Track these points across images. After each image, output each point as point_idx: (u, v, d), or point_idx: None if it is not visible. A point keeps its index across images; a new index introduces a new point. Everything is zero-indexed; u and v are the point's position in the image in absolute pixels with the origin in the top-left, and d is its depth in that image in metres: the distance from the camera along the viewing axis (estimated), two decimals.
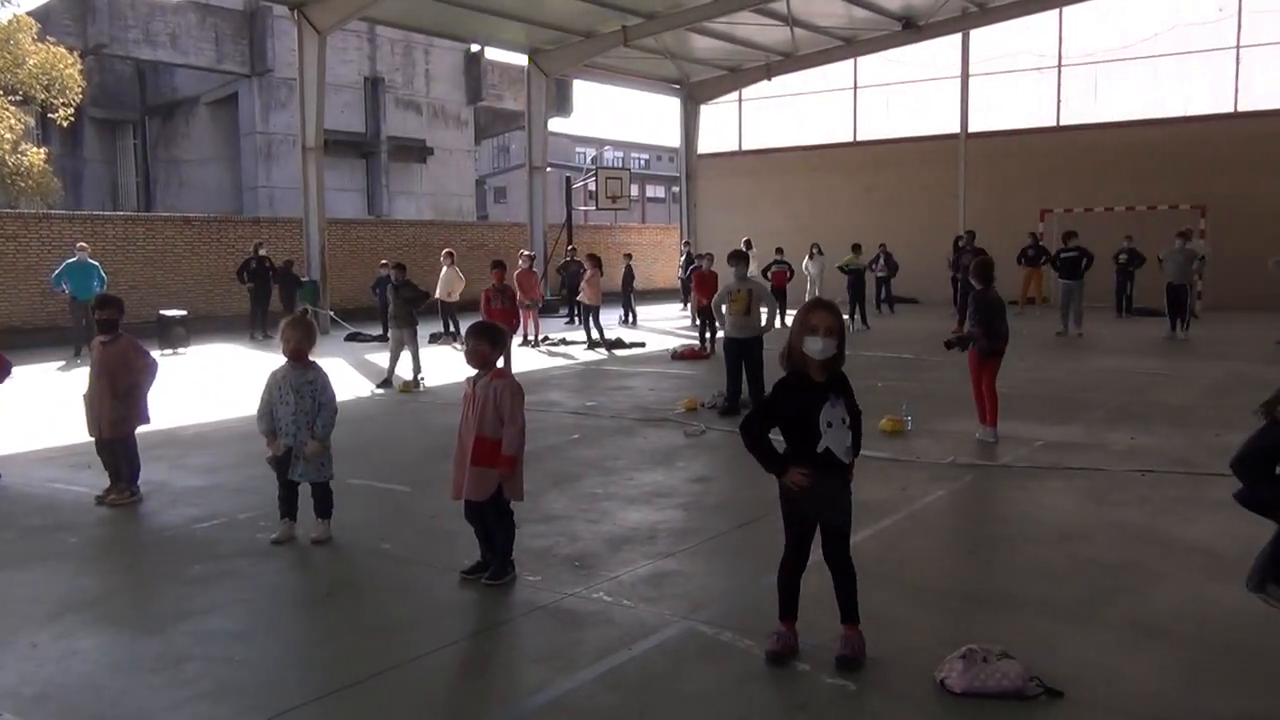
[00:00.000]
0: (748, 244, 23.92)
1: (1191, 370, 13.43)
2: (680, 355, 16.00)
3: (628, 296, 23.11)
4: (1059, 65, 26.49)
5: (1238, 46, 24.25)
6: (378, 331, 19.65)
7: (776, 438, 4.30)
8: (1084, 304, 18.49)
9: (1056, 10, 25.99)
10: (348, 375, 14.23)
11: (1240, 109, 24.32)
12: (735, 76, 31.12)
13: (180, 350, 17.71)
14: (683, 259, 26.30)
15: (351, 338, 19.76)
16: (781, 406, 4.29)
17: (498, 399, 5.25)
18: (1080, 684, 4.03)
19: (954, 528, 6.61)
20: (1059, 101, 26.60)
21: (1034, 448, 8.60)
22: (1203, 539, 5.99)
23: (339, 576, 5.70)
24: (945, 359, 11.22)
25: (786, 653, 4.32)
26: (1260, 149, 23.58)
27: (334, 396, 6.19)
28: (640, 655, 4.44)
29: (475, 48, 34.99)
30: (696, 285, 17.19)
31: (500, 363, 5.49)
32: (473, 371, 5.44)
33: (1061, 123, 26.52)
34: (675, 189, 35.42)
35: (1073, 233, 19.33)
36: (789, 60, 29.60)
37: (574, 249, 24.55)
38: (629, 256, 24.95)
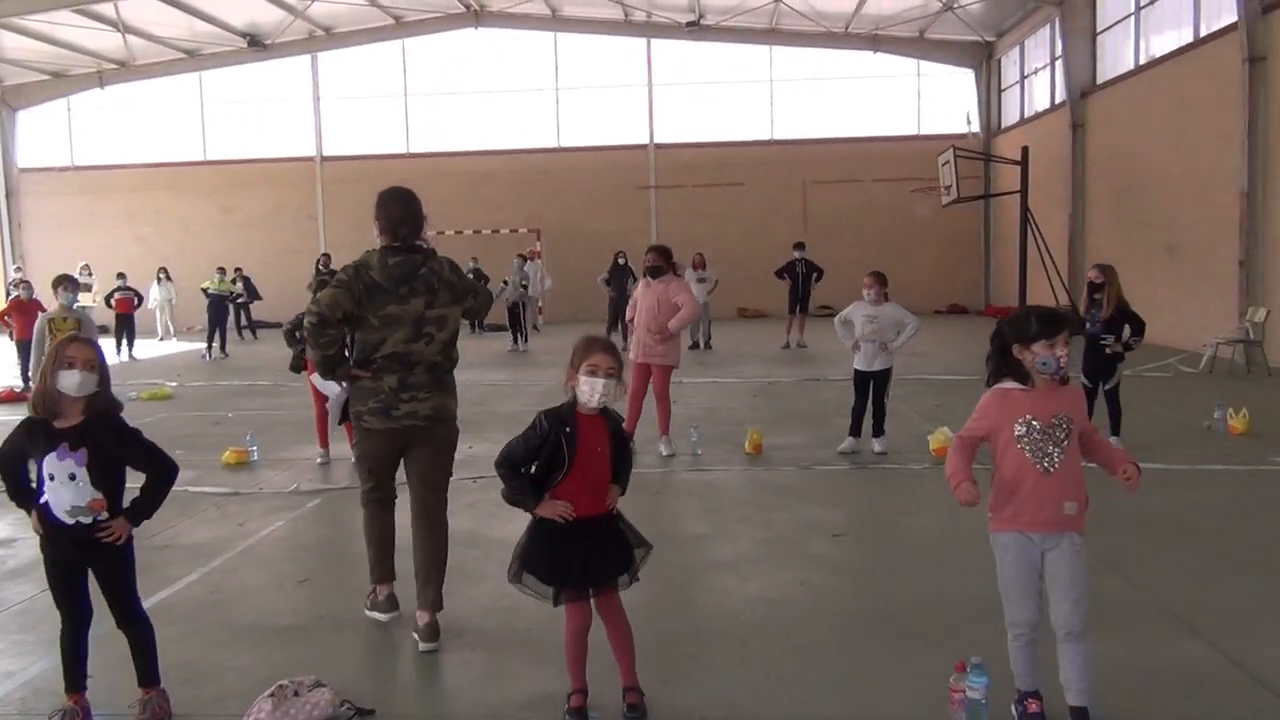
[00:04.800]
0: (86, 269, 21.75)
1: (529, 379, 14.81)
2: None
3: None
4: (405, 95, 27.82)
5: (557, 89, 27.44)
6: None
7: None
8: None
9: (400, 41, 27.27)
10: None
11: (562, 144, 27.54)
12: (61, 83, 28.00)
13: None
14: (10, 287, 22.97)
15: None
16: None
17: None
18: (394, 698, 4.15)
19: (289, 558, 6.46)
20: (408, 129, 27.92)
21: None
22: (512, 537, 6.52)
23: None
24: (303, 385, 11.03)
25: None
26: (580, 180, 26.94)
27: None
28: None
29: None
30: (15, 315, 15.02)
31: None
32: None
33: (411, 150, 27.84)
34: None
35: None
36: (125, 69, 27.36)
37: None
38: None
